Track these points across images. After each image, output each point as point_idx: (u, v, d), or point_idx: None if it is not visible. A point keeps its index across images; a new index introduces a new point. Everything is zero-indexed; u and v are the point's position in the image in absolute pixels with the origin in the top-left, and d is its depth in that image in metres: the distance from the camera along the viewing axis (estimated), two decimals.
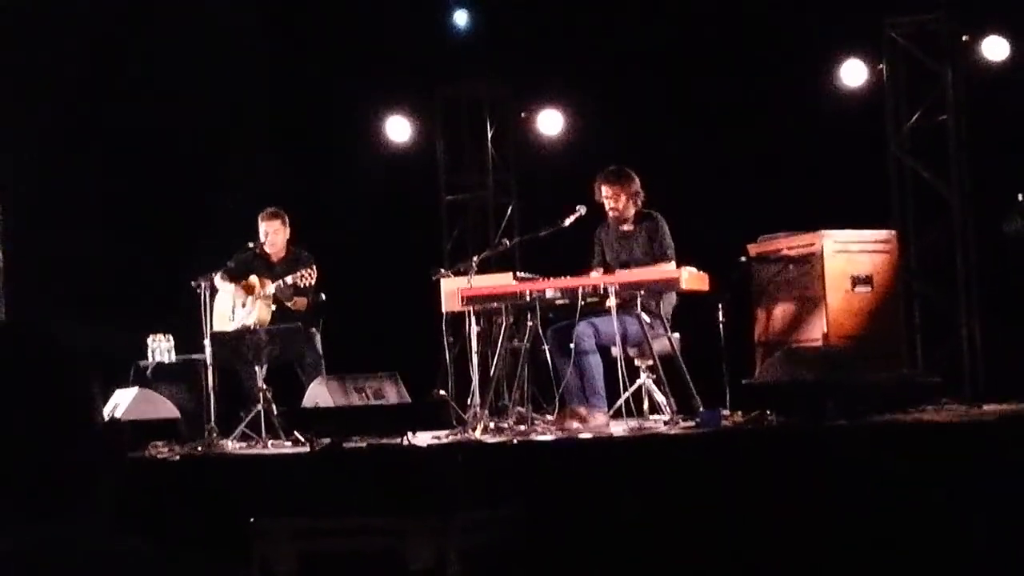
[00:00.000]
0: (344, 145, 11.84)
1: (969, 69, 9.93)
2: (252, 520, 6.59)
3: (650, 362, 8.51)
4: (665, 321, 8.56)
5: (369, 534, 6.44)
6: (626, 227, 8.95)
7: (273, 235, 9.80)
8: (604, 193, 8.86)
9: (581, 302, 8.36)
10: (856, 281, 8.99)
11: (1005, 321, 9.48)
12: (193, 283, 9.29)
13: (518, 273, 9.03)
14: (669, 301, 8.72)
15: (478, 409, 8.55)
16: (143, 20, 11.18)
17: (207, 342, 9.18)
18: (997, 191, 9.45)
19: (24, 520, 1.64)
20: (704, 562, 6.55)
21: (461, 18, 11.72)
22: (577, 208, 8.86)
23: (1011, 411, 7.99)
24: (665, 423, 8.12)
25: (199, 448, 8.65)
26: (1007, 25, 9.78)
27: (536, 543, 6.57)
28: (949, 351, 9.80)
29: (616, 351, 8.40)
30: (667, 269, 8.63)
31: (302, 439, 8.38)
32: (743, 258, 9.25)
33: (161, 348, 10.05)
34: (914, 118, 10.13)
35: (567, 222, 8.89)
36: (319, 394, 8.93)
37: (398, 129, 11.83)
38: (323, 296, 9.65)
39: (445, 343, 9.55)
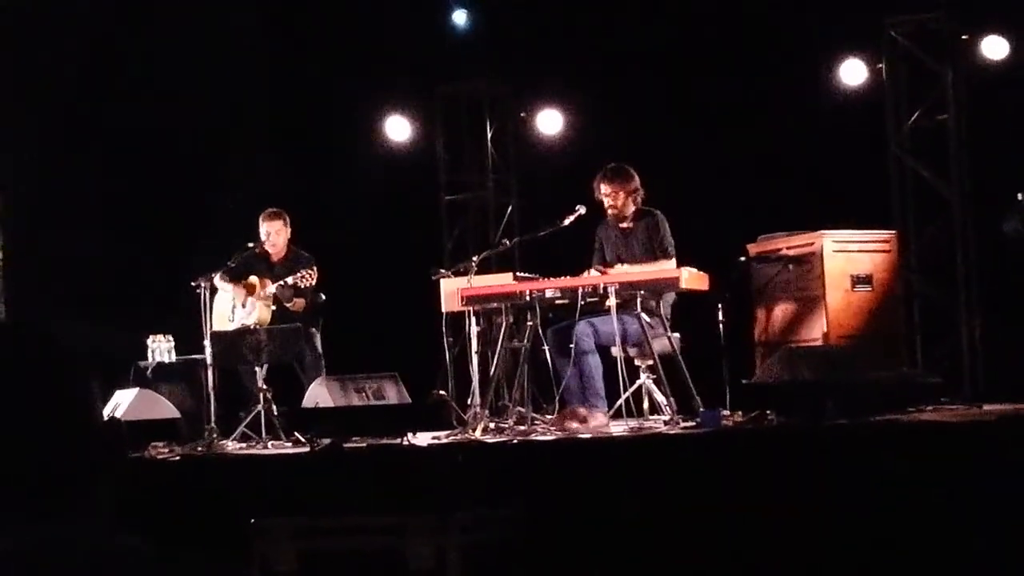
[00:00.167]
0: (344, 145, 11.84)
1: (969, 68, 9.93)
2: (252, 520, 6.59)
3: (650, 362, 8.51)
4: (665, 321, 8.56)
5: (369, 533, 6.44)
6: (625, 225, 8.95)
7: (275, 235, 9.80)
8: (603, 191, 8.87)
9: (581, 302, 8.36)
10: (856, 281, 8.99)
11: (1005, 321, 9.48)
12: (193, 283, 9.29)
13: (518, 273, 9.03)
14: (668, 301, 8.72)
15: (478, 409, 8.55)
16: (143, 20, 11.18)
17: (207, 342, 9.18)
18: (997, 190, 9.45)
19: (24, 520, 1.64)
20: (704, 562, 6.55)
21: (460, 18, 11.72)
22: (577, 207, 8.86)
23: (1011, 411, 7.98)
24: (665, 423, 8.12)
25: (199, 448, 8.65)
26: (1007, 24, 9.78)
27: (536, 543, 6.57)
28: (949, 351, 9.80)
29: (616, 351, 8.40)
30: (667, 268, 8.63)
31: (302, 439, 8.37)
32: (743, 258, 9.25)
33: (161, 348, 10.04)
34: (914, 117, 10.12)
35: (567, 222, 8.89)
36: (319, 394, 8.93)
37: (398, 129, 11.83)
38: (323, 296, 9.65)
39: (445, 343, 9.55)
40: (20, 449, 1.66)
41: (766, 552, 6.43)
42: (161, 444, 8.72)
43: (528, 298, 8.53)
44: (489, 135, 11.88)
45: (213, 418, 8.94)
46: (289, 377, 9.45)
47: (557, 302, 8.54)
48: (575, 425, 8.21)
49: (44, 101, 11.03)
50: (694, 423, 7.91)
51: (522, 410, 8.48)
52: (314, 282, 9.37)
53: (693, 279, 8.49)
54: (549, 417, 8.52)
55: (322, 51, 11.68)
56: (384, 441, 8.03)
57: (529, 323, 8.52)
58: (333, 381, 9.04)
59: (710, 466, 6.88)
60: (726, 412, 8.13)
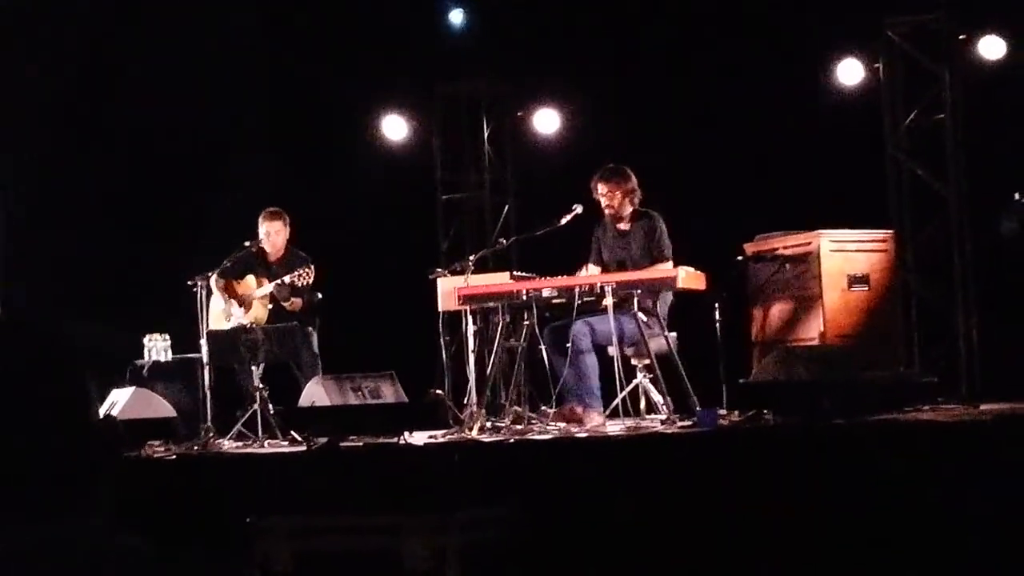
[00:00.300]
0: (341, 144, 11.84)
1: (966, 69, 9.93)
2: (248, 519, 6.58)
3: (647, 361, 8.51)
4: (662, 320, 8.56)
5: (366, 533, 6.43)
6: (623, 226, 8.95)
7: (275, 235, 9.79)
8: (600, 191, 8.86)
9: (578, 301, 8.36)
10: (853, 280, 9.00)
11: (1002, 320, 9.48)
12: (190, 282, 9.28)
13: (515, 272, 9.04)
14: (665, 300, 8.72)
15: (475, 408, 8.55)
16: (142, 20, 11.17)
17: (203, 341, 9.18)
18: (994, 190, 9.46)
19: (22, 519, 1.64)
20: (701, 561, 6.55)
21: (457, 17, 11.72)
22: (574, 207, 8.86)
23: (1008, 411, 7.99)
24: (662, 422, 8.12)
25: (195, 447, 8.64)
26: (1004, 25, 9.78)
27: (533, 542, 6.57)
28: (946, 350, 9.80)
29: (613, 350, 8.40)
30: (664, 268, 8.63)
31: (299, 438, 8.37)
32: (740, 257, 9.25)
33: (158, 347, 10.05)
34: (911, 117, 10.13)
35: (563, 221, 8.89)
36: (316, 393, 8.93)
37: (395, 128, 11.82)
38: (319, 295, 9.65)
39: (442, 342, 9.55)
40: (17, 448, 1.66)
41: (763, 551, 6.43)
42: (157, 443, 8.72)
43: (525, 297, 8.53)
44: (486, 134, 11.88)
45: (209, 417, 8.94)
46: (286, 376, 9.45)
47: (554, 301, 8.54)
48: (572, 424, 8.21)
49: (44, 101, 11.03)
50: (691, 422, 7.90)
51: (519, 409, 8.47)
52: (311, 281, 9.37)
53: (690, 279, 8.49)
54: (546, 416, 8.51)
55: (319, 50, 11.68)
56: (381, 440, 8.03)
57: (526, 322, 8.53)
58: (330, 380, 9.04)
59: (707, 465, 6.88)
60: (723, 411, 8.13)
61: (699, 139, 10.39)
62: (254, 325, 9.37)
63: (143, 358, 10.03)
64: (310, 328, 9.63)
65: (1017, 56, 9.79)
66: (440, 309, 9.07)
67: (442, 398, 9.17)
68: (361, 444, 8.01)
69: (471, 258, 9.00)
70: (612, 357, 8.41)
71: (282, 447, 8.47)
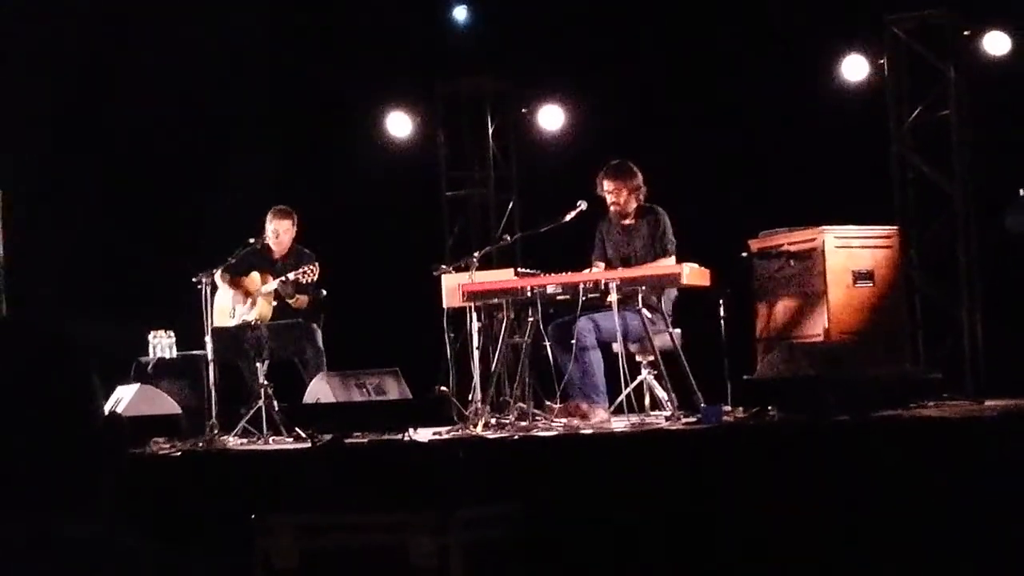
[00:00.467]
0: (345, 141, 11.83)
1: (971, 65, 9.91)
2: (254, 516, 6.59)
3: (651, 358, 8.51)
4: (666, 316, 8.56)
5: (370, 530, 6.44)
6: (627, 221, 8.94)
7: (283, 234, 9.79)
8: (606, 187, 8.86)
9: (582, 298, 8.35)
10: (857, 276, 8.99)
11: (1006, 317, 9.47)
12: (194, 279, 9.28)
13: (519, 269, 9.04)
14: (669, 296, 8.72)
15: (479, 405, 8.55)
16: (143, 18, 11.17)
17: (208, 338, 9.18)
18: (999, 187, 9.45)
19: (25, 517, 1.63)
20: (706, 558, 6.55)
21: (461, 14, 11.71)
22: (578, 203, 8.86)
23: (1012, 407, 7.98)
24: (666, 419, 8.12)
25: (200, 444, 8.65)
26: (1009, 20, 9.76)
27: (537, 539, 6.57)
28: (950, 347, 9.79)
29: (617, 347, 8.40)
30: (668, 264, 8.63)
31: (303, 435, 8.38)
32: (744, 254, 9.25)
33: (162, 344, 10.05)
34: (916, 113, 10.11)
35: (568, 218, 8.89)
36: (320, 390, 8.93)
37: (399, 125, 11.81)
38: (324, 292, 9.65)
39: (446, 339, 9.55)
40: (21, 445, 1.66)
41: (768, 548, 6.43)
42: (162, 440, 8.73)
43: (529, 294, 8.53)
44: (490, 131, 11.87)
45: (214, 414, 8.94)
46: (290, 373, 9.46)
47: (558, 298, 8.54)
48: (576, 421, 8.22)
49: (45, 100, 11.03)
50: (695, 419, 7.90)
51: (523, 406, 8.48)
52: (316, 278, 9.37)
53: (695, 275, 8.49)
54: (551, 412, 8.52)
55: (323, 47, 11.68)
56: (385, 437, 8.03)
57: (530, 319, 8.53)
58: (334, 377, 9.05)
59: (711, 462, 6.88)
60: (727, 408, 8.13)
61: (704, 135, 10.38)
62: (259, 322, 9.38)
63: (148, 355, 10.03)
64: (315, 325, 9.63)
65: (1022, 52, 9.77)
66: (445, 306, 9.07)
67: (447, 395, 9.17)
68: (366, 441, 8.02)
69: (476, 255, 8.99)
70: (617, 353, 8.41)
71: (287, 444, 8.47)
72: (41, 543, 1.61)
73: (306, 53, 11.69)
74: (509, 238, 9.94)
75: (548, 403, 8.68)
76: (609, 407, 8.38)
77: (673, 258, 8.71)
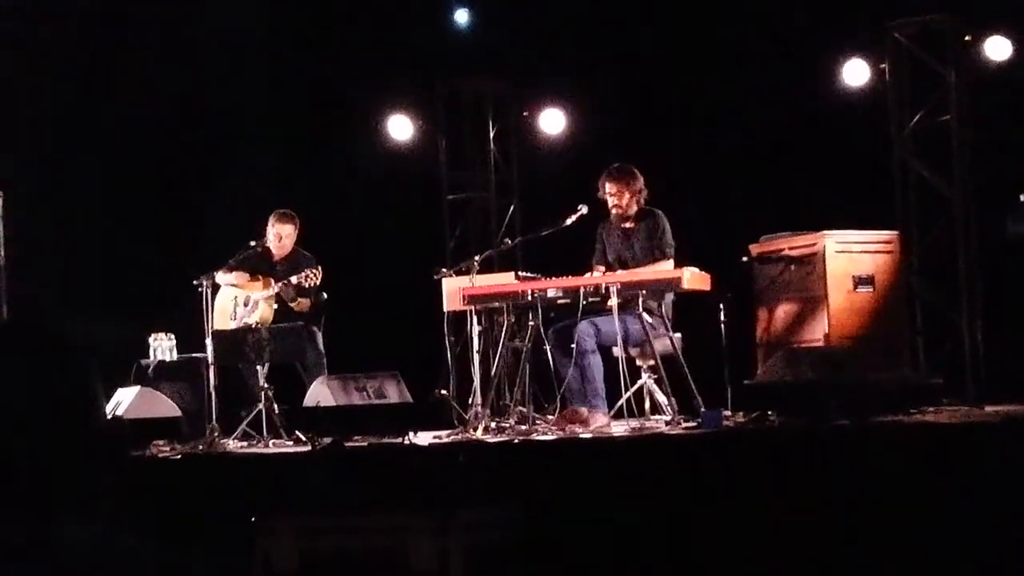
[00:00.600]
0: (346, 143, 11.83)
1: (972, 70, 9.92)
2: (254, 518, 6.59)
3: (651, 362, 8.50)
4: (667, 321, 8.56)
5: (370, 533, 6.44)
6: (627, 224, 8.94)
7: (286, 238, 9.79)
8: (608, 190, 8.86)
9: (583, 301, 8.35)
10: (858, 281, 8.98)
11: (1007, 322, 9.47)
12: (195, 281, 9.29)
13: (520, 272, 9.03)
14: (670, 300, 8.72)
15: (479, 408, 8.55)
16: (143, 19, 11.18)
17: (209, 341, 9.18)
18: (1000, 192, 9.44)
19: (25, 516, 1.64)
20: (705, 563, 6.55)
21: (462, 17, 11.72)
22: (579, 207, 8.86)
23: (1013, 412, 7.98)
24: (666, 423, 8.11)
25: (200, 447, 8.65)
26: (1010, 25, 9.77)
27: (537, 543, 6.57)
28: (951, 352, 9.80)
29: (617, 351, 8.40)
30: (668, 268, 8.62)
31: (303, 438, 8.38)
32: (745, 258, 9.25)
33: (163, 346, 10.05)
34: (917, 118, 10.12)
35: (569, 221, 8.88)
36: (321, 393, 8.93)
37: (400, 127, 11.82)
38: (324, 295, 9.65)
39: (447, 342, 9.56)
40: (22, 446, 1.66)
41: (767, 553, 6.42)
42: (162, 442, 8.73)
43: (530, 298, 8.53)
44: (492, 134, 11.88)
45: (215, 416, 8.95)
46: (291, 376, 9.46)
47: (559, 302, 8.53)
48: (576, 425, 8.21)
49: (45, 101, 11.03)
50: (695, 423, 7.90)
51: (523, 410, 8.48)
52: (318, 282, 9.37)
53: (695, 279, 8.49)
54: (550, 417, 8.52)
55: (324, 49, 11.68)
56: (385, 440, 8.04)
57: (531, 323, 8.52)
58: (334, 380, 9.05)
59: (711, 466, 6.88)
60: (727, 412, 8.13)
61: (705, 139, 10.38)
62: (259, 325, 9.38)
63: (148, 358, 10.03)
64: (315, 328, 9.63)
65: (1023, 57, 9.78)
66: (445, 309, 9.08)
67: (447, 398, 9.18)
68: (366, 444, 8.02)
69: (476, 258, 9.00)
70: (617, 358, 8.41)
71: (287, 447, 8.47)
72: (42, 543, 1.61)
73: (307, 55, 11.70)
74: (510, 241, 9.94)
75: (548, 407, 8.68)
76: (609, 411, 8.38)
77: (671, 261, 8.70)
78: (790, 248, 9.16)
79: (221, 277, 9.60)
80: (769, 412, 7.67)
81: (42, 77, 11.01)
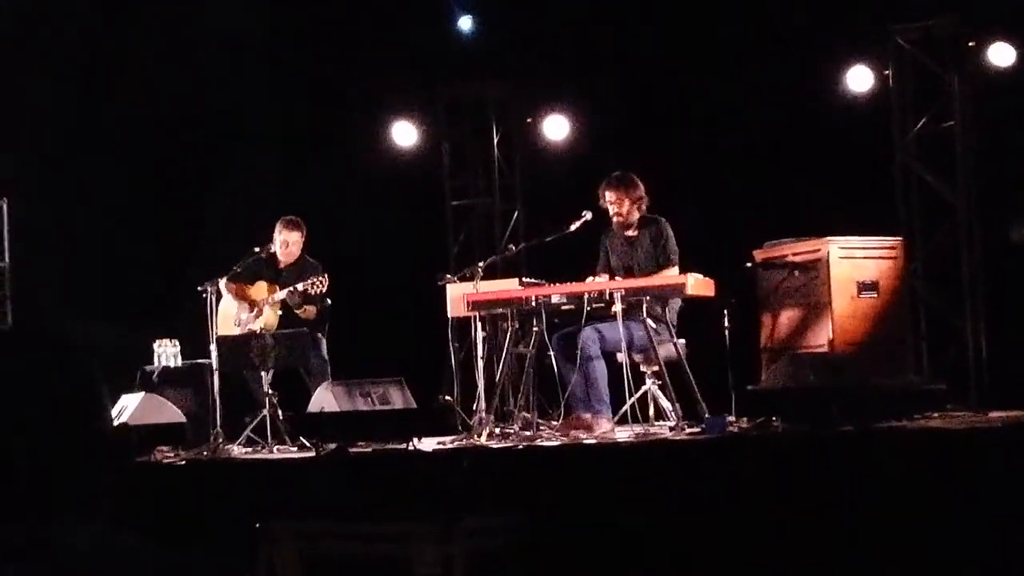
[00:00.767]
0: (349, 150, 11.84)
1: (975, 75, 9.92)
2: (258, 524, 6.59)
3: (655, 368, 8.50)
4: (671, 327, 8.55)
5: (374, 539, 6.44)
6: (630, 232, 8.94)
7: (292, 245, 9.78)
8: (608, 199, 8.86)
9: (587, 308, 8.35)
10: (862, 287, 8.98)
11: (1011, 328, 9.47)
12: (199, 287, 9.30)
13: (524, 279, 9.04)
14: (674, 307, 8.71)
15: (483, 415, 8.55)
16: (146, 23, 11.19)
17: (213, 347, 9.19)
18: (1003, 197, 9.44)
19: (30, 521, 1.64)
20: (709, 569, 6.55)
21: (466, 24, 11.73)
22: (583, 213, 8.86)
23: (1016, 418, 7.98)
24: (670, 429, 8.11)
25: (205, 453, 8.66)
26: (1014, 31, 9.77)
27: (541, 548, 6.57)
28: (954, 357, 9.79)
29: (621, 357, 8.40)
30: (672, 275, 8.62)
31: (308, 444, 8.38)
32: (749, 264, 9.25)
33: (167, 353, 10.05)
34: (920, 124, 10.12)
35: (573, 227, 8.89)
36: (325, 399, 8.94)
37: (403, 134, 11.82)
38: (329, 301, 9.66)
39: (451, 348, 9.55)
40: (29, 451, 1.67)
41: (771, 558, 6.42)
42: (167, 448, 8.74)
43: (534, 304, 8.53)
44: (495, 141, 11.89)
45: (219, 422, 8.95)
46: (295, 382, 9.46)
47: (563, 308, 8.53)
48: (580, 431, 8.21)
49: (49, 105, 11.05)
50: (699, 429, 7.90)
51: (527, 416, 8.48)
52: (325, 289, 9.37)
53: (699, 285, 8.49)
54: (554, 423, 8.52)
55: (327, 55, 11.69)
56: (389, 446, 8.04)
57: (535, 329, 8.52)
58: (339, 386, 9.05)
59: (715, 472, 6.88)
60: (731, 418, 8.12)
61: (708, 145, 10.38)
62: (264, 331, 9.38)
63: (153, 363, 10.04)
64: (319, 334, 9.64)
65: None
66: (449, 315, 9.08)
67: (451, 404, 9.18)
68: (370, 450, 8.02)
69: (480, 264, 9.00)
70: (621, 364, 8.41)
71: (291, 453, 8.48)
72: (43, 546, 1.62)
73: (310, 60, 11.71)
74: (514, 247, 9.93)
75: (552, 413, 8.68)
76: (613, 417, 8.38)
77: (676, 268, 8.70)
78: (794, 254, 9.15)
79: (225, 287, 9.59)
80: (773, 418, 7.67)
81: (42, 77, 11.02)
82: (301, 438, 8.56)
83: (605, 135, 11.00)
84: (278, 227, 9.80)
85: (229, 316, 9.70)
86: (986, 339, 9.78)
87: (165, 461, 8.42)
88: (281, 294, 9.49)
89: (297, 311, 9.49)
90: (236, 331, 9.58)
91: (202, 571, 1.67)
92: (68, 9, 11.05)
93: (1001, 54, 9.81)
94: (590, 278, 8.84)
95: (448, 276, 9.22)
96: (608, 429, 8.23)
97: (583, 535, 6.76)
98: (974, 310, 9.86)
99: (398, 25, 11.43)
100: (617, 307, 8.29)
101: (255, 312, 9.66)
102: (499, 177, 11.93)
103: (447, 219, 11.94)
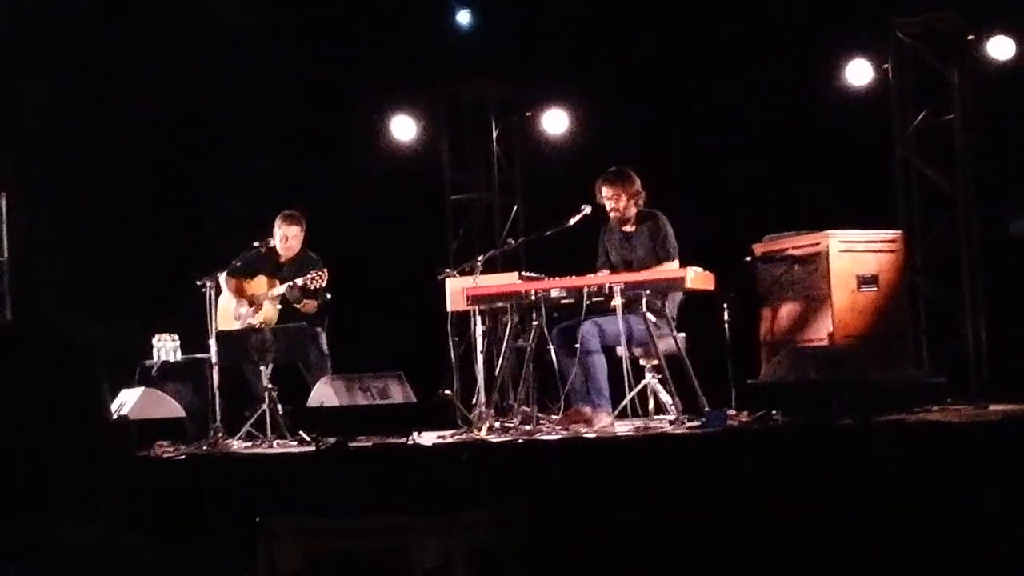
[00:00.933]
0: (349, 145, 11.84)
1: (975, 69, 9.91)
2: (258, 519, 6.59)
3: (655, 362, 8.50)
4: (671, 321, 8.55)
5: (374, 533, 6.44)
6: (628, 228, 8.93)
7: (292, 239, 9.77)
8: (605, 194, 8.85)
9: (586, 301, 8.35)
10: (862, 281, 8.98)
11: (1010, 321, 9.47)
12: (198, 282, 9.29)
13: (523, 272, 9.04)
14: (674, 300, 8.71)
15: (483, 409, 8.56)
16: (145, 19, 11.18)
17: (212, 341, 9.19)
18: (1003, 191, 9.44)
19: (31, 518, 1.64)
20: (709, 562, 6.55)
21: (464, 18, 11.72)
22: (582, 207, 8.86)
23: (1016, 411, 7.98)
24: (670, 423, 8.11)
25: (204, 447, 8.66)
26: (1013, 25, 9.76)
27: (541, 543, 6.57)
28: (954, 351, 9.80)
29: (621, 351, 8.40)
30: (672, 269, 8.62)
31: (307, 438, 8.38)
32: (748, 258, 9.24)
33: (167, 347, 10.06)
34: (920, 118, 10.12)
35: (572, 221, 8.88)
36: (324, 393, 8.94)
37: (403, 129, 11.82)
38: (328, 296, 9.65)
39: (450, 343, 9.55)
40: (30, 447, 1.66)
41: (771, 552, 6.42)
42: (166, 443, 8.74)
43: (533, 298, 8.53)
44: (494, 135, 11.89)
45: (218, 417, 8.95)
46: (295, 376, 9.46)
47: (562, 302, 8.53)
48: (580, 425, 8.21)
49: (48, 102, 11.04)
50: (699, 423, 7.90)
51: (527, 410, 8.48)
52: (324, 283, 9.37)
53: (699, 279, 8.48)
54: (554, 417, 8.52)
55: (327, 50, 11.68)
56: (389, 440, 8.04)
57: (534, 323, 8.52)
58: (339, 380, 9.05)
59: (715, 466, 6.88)
60: (731, 412, 8.13)
61: (708, 139, 10.38)
62: (263, 325, 9.38)
63: (152, 358, 10.03)
64: (319, 328, 9.63)
65: None
66: (449, 309, 9.07)
67: (451, 398, 9.17)
68: (370, 444, 8.02)
69: (480, 258, 9.00)
70: (621, 358, 8.41)
71: (291, 447, 8.48)
72: (44, 544, 1.62)
73: (309, 56, 11.71)
74: (513, 242, 9.94)
75: (552, 407, 8.67)
76: (613, 411, 8.38)
77: (676, 262, 8.70)
78: (794, 247, 9.15)
79: (224, 282, 9.59)
80: (773, 411, 7.67)
81: (46, 78, 11.02)
82: (301, 432, 8.56)
83: (604, 129, 10.99)
84: (277, 221, 9.80)
85: (229, 311, 9.70)
86: (986, 332, 9.78)
87: (165, 456, 8.41)
88: (281, 289, 9.49)
89: (297, 306, 9.49)
90: (236, 325, 9.57)
91: (201, 567, 1.67)
92: (68, 9, 11.04)
93: (1001, 48, 9.80)
94: (591, 274, 8.84)
95: (447, 270, 9.22)
96: (608, 423, 8.23)
97: (583, 529, 6.76)
98: (974, 304, 9.86)
99: (396, 20, 11.42)
100: (617, 301, 8.29)
101: (255, 307, 9.66)
102: (498, 172, 11.94)
103: (446, 214, 11.94)
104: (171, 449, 8.62)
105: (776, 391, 7.88)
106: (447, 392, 9.37)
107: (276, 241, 9.75)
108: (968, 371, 9.61)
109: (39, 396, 1.68)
